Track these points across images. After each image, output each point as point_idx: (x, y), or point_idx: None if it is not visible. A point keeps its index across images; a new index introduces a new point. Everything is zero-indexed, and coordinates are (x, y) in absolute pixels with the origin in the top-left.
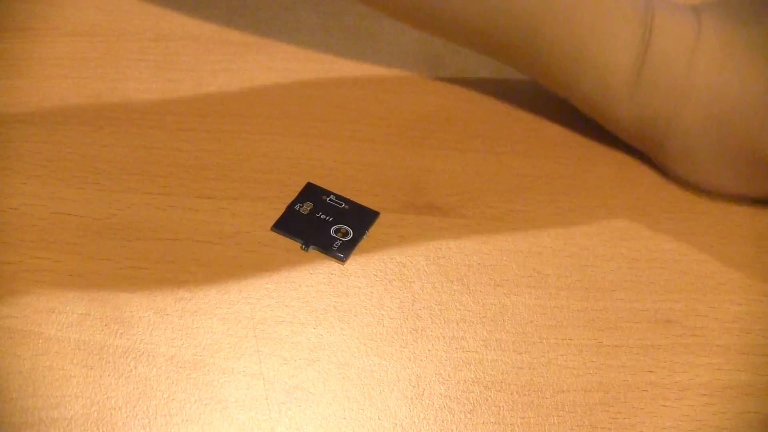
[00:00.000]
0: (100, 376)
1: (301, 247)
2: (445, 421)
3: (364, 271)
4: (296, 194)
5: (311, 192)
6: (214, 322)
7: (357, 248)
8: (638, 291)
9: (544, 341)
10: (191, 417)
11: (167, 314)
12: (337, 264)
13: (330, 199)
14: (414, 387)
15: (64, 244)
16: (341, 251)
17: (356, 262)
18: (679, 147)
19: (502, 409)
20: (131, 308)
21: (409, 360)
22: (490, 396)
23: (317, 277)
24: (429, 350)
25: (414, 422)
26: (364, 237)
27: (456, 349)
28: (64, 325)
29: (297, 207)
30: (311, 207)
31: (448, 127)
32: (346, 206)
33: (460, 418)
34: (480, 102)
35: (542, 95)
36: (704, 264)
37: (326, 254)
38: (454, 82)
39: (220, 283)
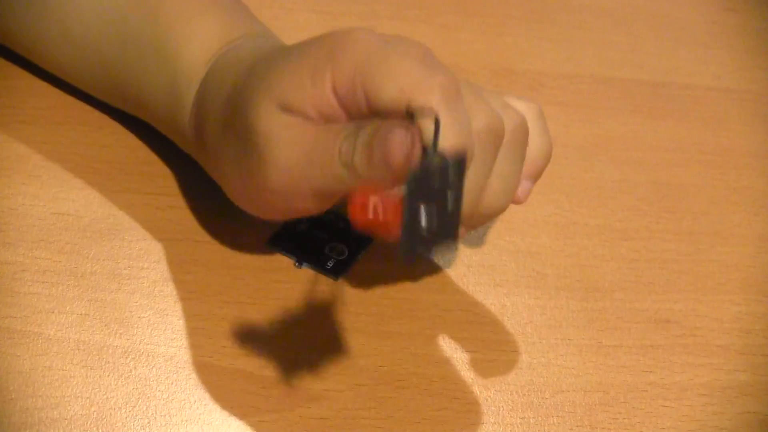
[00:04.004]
0: (100, 377)
1: (294, 264)
2: (445, 422)
3: (364, 270)
4: None
5: None
6: (213, 322)
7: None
8: (638, 291)
9: (544, 341)
10: (191, 417)
11: (167, 314)
12: None
13: (327, 217)
14: (414, 387)
15: (64, 244)
16: (334, 271)
17: (356, 262)
18: (210, 148)
19: (502, 409)
20: (131, 308)
21: (409, 361)
22: (490, 396)
23: (317, 277)
24: (429, 351)
25: (414, 422)
26: (359, 258)
27: (456, 349)
28: (64, 325)
29: (294, 223)
30: (308, 224)
31: None
32: (343, 224)
33: (460, 418)
34: None
35: (542, 96)
36: (704, 264)
37: (319, 273)
38: None
39: (219, 283)
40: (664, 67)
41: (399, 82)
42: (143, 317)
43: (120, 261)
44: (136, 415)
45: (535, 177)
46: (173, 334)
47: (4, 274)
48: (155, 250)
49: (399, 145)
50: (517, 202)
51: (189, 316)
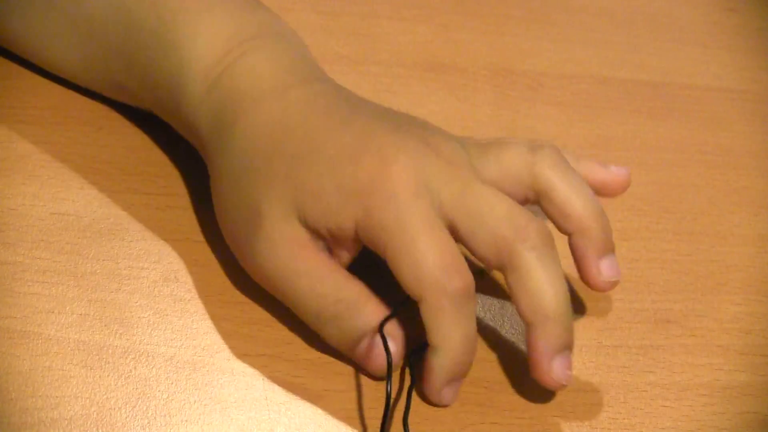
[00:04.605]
0: (100, 377)
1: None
2: (445, 422)
3: (364, 272)
4: None
5: None
6: (213, 322)
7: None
8: (638, 291)
9: None
10: (191, 417)
11: (167, 314)
12: None
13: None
14: (412, 389)
15: (64, 244)
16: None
17: (355, 263)
18: (218, 167)
19: (502, 409)
20: (131, 308)
21: (408, 362)
22: (490, 396)
23: None
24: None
25: (414, 422)
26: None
27: None
28: (64, 325)
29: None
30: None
31: (447, 128)
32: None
33: (461, 418)
34: (479, 102)
35: (542, 96)
36: (704, 264)
37: None
38: (454, 82)
39: (219, 284)
40: (664, 67)
41: (417, 274)
42: (143, 317)
43: (120, 261)
44: (136, 415)
45: (602, 248)
46: (173, 334)
47: (4, 274)
48: (155, 250)
49: (380, 367)
50: (601, 287)
51: (189, 316)
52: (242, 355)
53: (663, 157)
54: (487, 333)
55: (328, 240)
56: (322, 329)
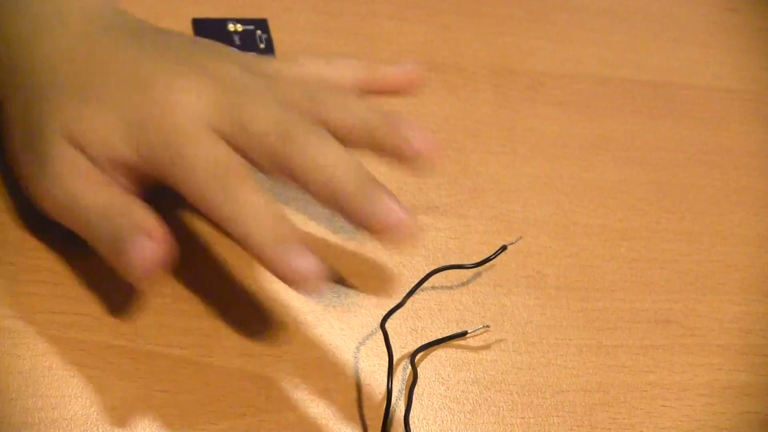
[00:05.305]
0: (100, 377)
1: None
2: (444, 421)
3: (364, 272)
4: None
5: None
6: (214, 322)
7: (352, 245)
8: (638, 291)
9: (544, 341)
10: (191, 417)
11: (167, 314)
12: (337, 264)
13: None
14: (414, 388)
15: (64, 244)
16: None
17: (356, 263)
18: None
19: (502, 409)
20: (131, 308)
21: (409, 360)
22: (489, 396)
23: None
24: (429, 350)
25: (414, 422)
26: None
27: (456, 349)
28: (64, 325)
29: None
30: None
31: (447, 127)
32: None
33: (460, 418)
34: (479, 101)
35: (542, 96)
36: (704, 264)
37: None
38: (454, 81)
39: (219, 284)
40: (664, 67)
41: (196, 194)
42: (143, 317)
43: None
44: (137, 415)
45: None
46: (173, 333)
47: (4, 274)
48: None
49: (140, 261)
50: (416, 149)
51: (189, 316)
52: (242, 355)
53: (663, 157)
54: (487, 333)
55: (108, 169)
56: (99, 238)
